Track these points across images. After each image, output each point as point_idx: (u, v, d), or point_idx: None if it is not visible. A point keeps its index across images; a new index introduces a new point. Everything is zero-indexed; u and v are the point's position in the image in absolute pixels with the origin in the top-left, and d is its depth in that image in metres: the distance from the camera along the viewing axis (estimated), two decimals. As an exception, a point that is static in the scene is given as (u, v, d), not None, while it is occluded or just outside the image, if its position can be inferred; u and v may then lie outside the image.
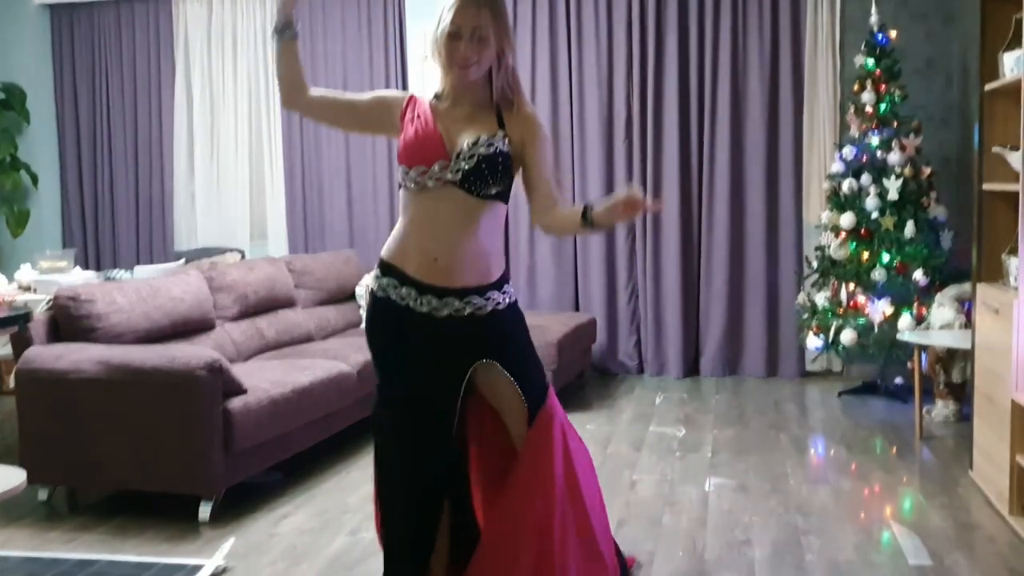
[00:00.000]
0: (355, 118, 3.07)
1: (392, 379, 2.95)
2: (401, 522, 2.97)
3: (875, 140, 6.12)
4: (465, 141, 2.82)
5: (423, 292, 2.84)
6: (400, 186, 2.94)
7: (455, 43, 2.79)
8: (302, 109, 3.01)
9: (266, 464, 4.47)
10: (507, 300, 2.93)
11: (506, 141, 2.84)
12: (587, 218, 2.77)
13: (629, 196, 2.70)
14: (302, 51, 2.96)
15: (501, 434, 2.99)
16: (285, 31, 2.86)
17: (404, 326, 2.87)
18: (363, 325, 3.05)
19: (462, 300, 2.84)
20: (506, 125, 2.88)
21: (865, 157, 6.16)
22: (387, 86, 7.46)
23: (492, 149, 2.81)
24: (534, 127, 2.90)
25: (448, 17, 2.78)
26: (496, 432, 3.01)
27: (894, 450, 5.10)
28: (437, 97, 2.93)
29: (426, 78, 7.22)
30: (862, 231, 6.11)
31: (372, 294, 2.94)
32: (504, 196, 2.90)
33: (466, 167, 2.79)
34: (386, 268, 2.90)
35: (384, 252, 2.93)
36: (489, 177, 2.80)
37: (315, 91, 2.96)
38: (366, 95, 3.03)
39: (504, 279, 2.95)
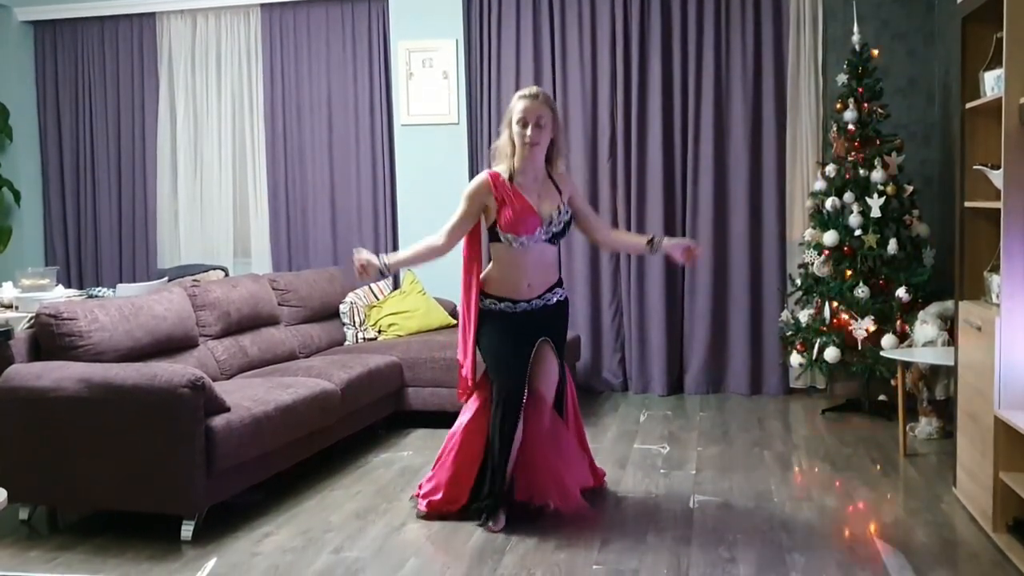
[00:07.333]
0: (472, 222, 4.33)
1: (505, 343, 4.27)
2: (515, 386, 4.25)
3: (858, 158, 6.15)
4: (551, 214, 4.22)
5: (516, 303, 4.28)
6: (492, 239, 4.26)
7: (523, 129, 4.13)
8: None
9: (249, 483, 4.44)
10: (563, 296, 4.43)
11: (568, 206, 4.30)
12: (652, 243, 4.37)
13: (694, 244, 4.36)
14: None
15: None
16: (381, 277, 4.62)
17: (508, 322, 4.28)
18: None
19: (540, 299, 4.31)
20: (561, 190, 4.30)
21: (848, 175, 6.19)
22: (371, 104, 7.47)
23: (568, 215, 4.29)
24: (573, 184, 4.44)
25: (518, 109, 4.15)
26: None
27: (878, 467, 5.10)
28: (511, 175, 4.21)
29: (410, 96, 7.24)
30: (845, 249, 6.13)
31: (489, 310, 4.29)
32: None
33: (555, 231, 4.25)
34: (494, 298, 4.28)
35: (488, 289, 4.29)
36: (566, 232, 4.32)
37: (450, 239, 4.27)
38: (472, 206, 4.24)
39: (559, 283, 4.43)
